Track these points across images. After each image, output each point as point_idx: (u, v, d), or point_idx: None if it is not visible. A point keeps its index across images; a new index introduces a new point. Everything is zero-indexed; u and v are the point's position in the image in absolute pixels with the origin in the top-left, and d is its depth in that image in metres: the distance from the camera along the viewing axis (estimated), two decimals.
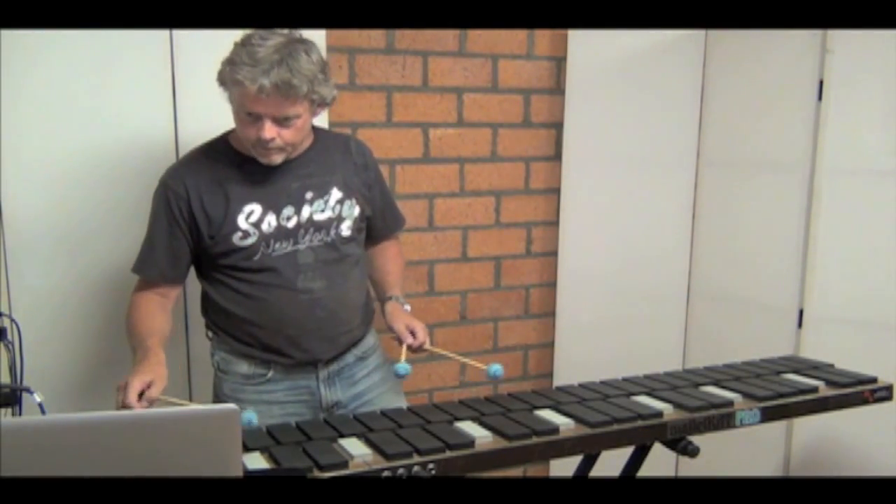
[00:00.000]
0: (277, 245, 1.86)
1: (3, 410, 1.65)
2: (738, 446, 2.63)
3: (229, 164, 1.87)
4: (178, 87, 2.22)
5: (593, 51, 2.81)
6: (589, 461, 2.00)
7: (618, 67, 2.81)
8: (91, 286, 2.20)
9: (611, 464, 1.91)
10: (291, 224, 1.86)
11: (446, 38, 2.73)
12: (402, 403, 2.05)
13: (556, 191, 2.96)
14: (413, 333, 1.96)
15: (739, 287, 2.74)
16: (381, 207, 2.08)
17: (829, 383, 2.02)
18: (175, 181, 1.86)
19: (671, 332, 2.90)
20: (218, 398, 2.00)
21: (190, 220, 1.84)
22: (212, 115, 2.27)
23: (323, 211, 1.89)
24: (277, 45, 1.71)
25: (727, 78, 2.72)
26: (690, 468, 2.62)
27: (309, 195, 1.88)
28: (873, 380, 2.05)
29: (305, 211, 1.88)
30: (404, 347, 1.96)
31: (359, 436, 1.64)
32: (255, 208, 1.84)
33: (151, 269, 1.88)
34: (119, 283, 2.23)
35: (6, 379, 1.75)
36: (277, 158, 1.82)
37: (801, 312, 2.57)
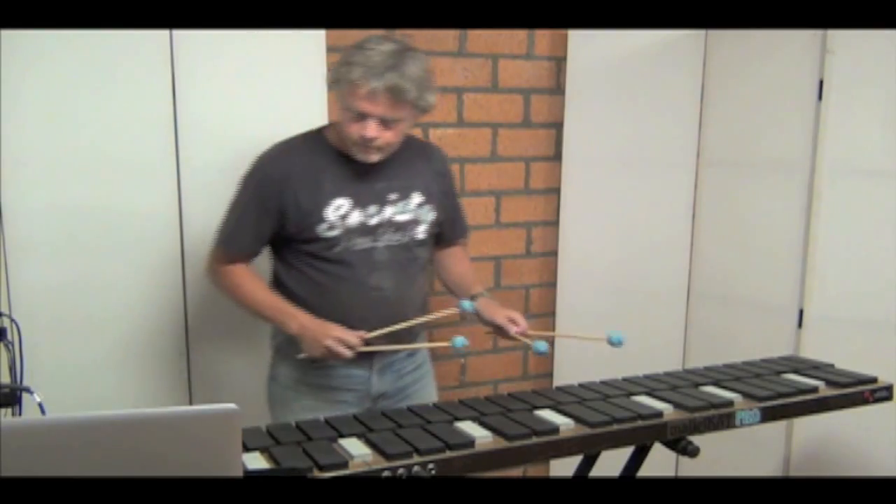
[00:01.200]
0: (358, 240, 1.94)
1: (3, 410, 1.65)
2: (738, 446, 2.63)
3: (325, 157, 1.95)
4: (178, 87, 2.22)
5: (593, 51, 2.81)
6: (589, 461, 2.00)
7: (618, 67, 2.81)
8: (91, 286, 2.20)
9: (611, 464, 1.91)
10: (373, 222, 1.95)
11: (446, 38, 2.73)
12: (435, 398, 2.17)
13: (556, 191, 2.96)
14: (514, 321, 2.03)
15: (739, 287, 2.74)
16: (451, 215, 2.17)
17: (829, 383, 2.03)
18: (271, 166, 1.94)
19: (671, 331, 2.90)
20: (273, 379, 2.09)
21: (279, 206, 1.91)
22: (212, 115, 2.28)
23: (403, 213, 1.99)
24: (391, 51, 1.82)
25: (727, 78, 2.72)
26: (690, 468, 2.62)
27: (393, 196, 1.97)
28: (873, 380, 2.05)
29: (388, 211, 1.97)
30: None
31: (359, 436, 1.64)
32: (344, 203, 1.92)
33: (236, 245, 1.97)
34: (119, 282, 2.23)
35: (6, 379, 1.75)
36: (375, 157, 1.90)
37: (801, 312, 2.57)
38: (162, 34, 2.18)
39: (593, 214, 2.91)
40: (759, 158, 2.66)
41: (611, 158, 2.86)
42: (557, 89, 2.91)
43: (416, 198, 2.01)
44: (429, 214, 2.03)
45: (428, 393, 2.16)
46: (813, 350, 2.46)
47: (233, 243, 1.97)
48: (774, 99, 2.59)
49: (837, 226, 2.48)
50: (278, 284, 2.02)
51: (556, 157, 2.95)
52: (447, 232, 2.18)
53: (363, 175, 1.94)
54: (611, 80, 2.82)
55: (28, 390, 1.62)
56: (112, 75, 2.15)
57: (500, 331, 2.05)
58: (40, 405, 1.57)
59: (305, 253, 1.94)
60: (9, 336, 1.79)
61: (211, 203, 2.29)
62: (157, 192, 2.24)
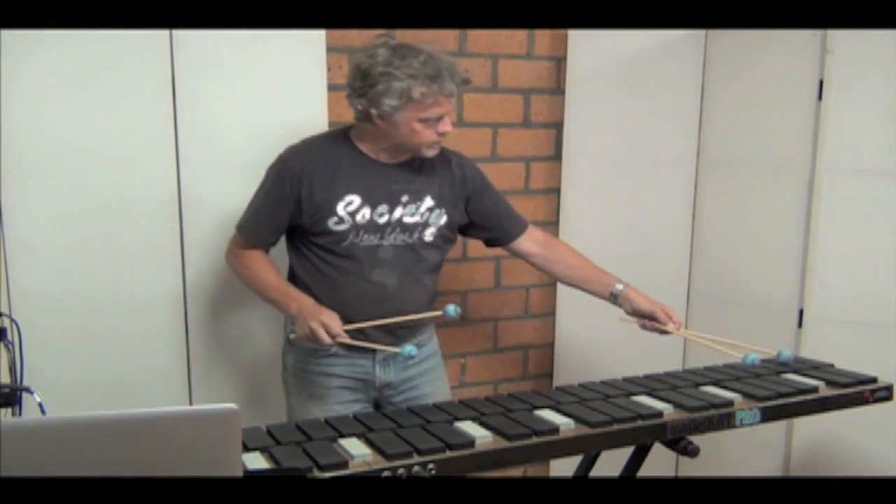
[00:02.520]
0: (365, 237, 2.00)
1: (3, 410, 1.65)
2: (738, 446, 2.63)
3: (345, 155, 2.02)
4: (178, 87, 2.22)
5: (593, 51, 2.81)
6: (589, 461, 2.01)
7: (618, 67, 2.81)
8: (91, 286, 2.20)
9: (611, 464, 1.91)
10: (382, 220, 2.01)
11: (446, 38, 2.73)
12: (447, 391, 2.23)
13: (556, 191, 2.96)
14: (669, 315, 2.10)
15: (739, 287, 2.73)
16: (494, 214, 2.21)
17: (829, 383, 2.03)
18: (293, 160, 2.01)
19: None
20: (284, 367, 2.17)
21: (297, 198, 1.98)
22: (212, 115, 2.28)
23: (413, 215, 2.04)
24: (429, 53, 1.90)
25: (727, 78, 2.72)
26: (690, 468, 2.62)
27: (404, 198, 2.03)
28: (873, 380, 2.05)
29: (397, 211, 2.02)
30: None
31: (359, 436, 1.64)
32: (355, 199, 1.99)
33: (253, 232, 2.06)
34: (119, 282, 2.23)
35: (6, 379, 1.75)
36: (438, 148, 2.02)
37: (801, 312, 2.57)
38: (162, 34, 2.18)
39: (593, 214, 2.91)
40: (759, 158, 2.66)
41: (611, 158, 2.86)
42: (557, 89, 2.91)
43: (428, 202, 2.06)
44: (440, 219, 2.07)
45: (438, 385, 2.20)
46: (813, 350, 2.46)
47: (250, 230, 2.05)
48: (774, 99, 2.59)
49: (837, 226, 2.48)
50: (292, 275, 2.10)
51: (556, 157, 2.95)
52: (497, 231, 2.22)
53: (380, 176, 2.01)
54: (611, 80, 2.82)
55: (28, 390, 1.62)
56: (112, 76, 2.15)
57: (651, 321, 2.12)
58: (40, 405, 1.58)
59: (316, 245, 2.01)
60: (9, 336, 1.79)
61: (211, 203, 2.29)
62: (157, 191, 2.24)
